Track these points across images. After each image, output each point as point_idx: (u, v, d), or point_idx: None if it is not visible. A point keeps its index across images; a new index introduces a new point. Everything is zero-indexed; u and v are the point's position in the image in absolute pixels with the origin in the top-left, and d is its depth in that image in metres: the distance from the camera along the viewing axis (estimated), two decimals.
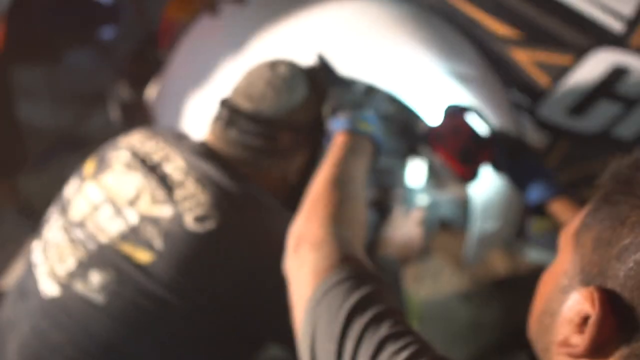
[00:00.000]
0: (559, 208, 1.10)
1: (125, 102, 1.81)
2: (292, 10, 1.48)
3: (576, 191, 1.62)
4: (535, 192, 1.13)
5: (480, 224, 1.65)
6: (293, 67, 1.15)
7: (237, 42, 1.49)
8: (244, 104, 1.11)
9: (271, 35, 1.46)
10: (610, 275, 0.51)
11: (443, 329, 2.17)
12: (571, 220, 1.07)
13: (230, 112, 1.12)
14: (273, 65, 1.15)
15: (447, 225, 2.12)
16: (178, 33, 1.66)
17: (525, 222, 1.75)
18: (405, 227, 1.52)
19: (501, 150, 1.22)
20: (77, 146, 2.86)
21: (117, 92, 1.85)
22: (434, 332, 2.16)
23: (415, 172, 1.65)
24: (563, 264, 0.59)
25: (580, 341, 0.51)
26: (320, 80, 1.18)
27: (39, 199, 2.60)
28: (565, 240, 0.61)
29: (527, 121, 1.53)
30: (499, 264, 2.47)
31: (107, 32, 2.99)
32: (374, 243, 1.58)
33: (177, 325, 1.03)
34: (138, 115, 1.74)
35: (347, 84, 1.18)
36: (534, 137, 1.55)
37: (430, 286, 2.38)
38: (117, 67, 2.08)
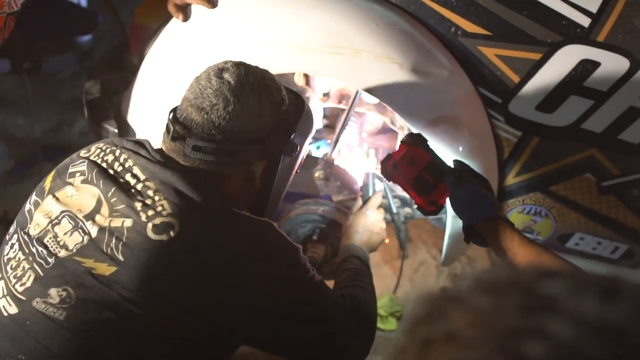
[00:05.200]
0: (487, 230, 1.18)
1: (95, 104, 1.80)
2: (263, 14, 1.48)
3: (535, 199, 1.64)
4: (468, 216, 1.22)
5: (456, 220, 1.65)
6: (240, 73, 1.11)
7: (205, 46, 1.49)
8: (196, 116, 1.09)
9: (239, 40, 1.46)
10: None
11: None
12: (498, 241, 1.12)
13: (182, 128, 1.10)
14: (220, 71, 1.11)
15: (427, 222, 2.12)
16: (147, 38, 1.65)
17: None
18: (365, 214, 1.54)
19: (451, 182, 1.29)
20: (58, 154, 2.85)
21: (86, 95, 1.84)
22: None
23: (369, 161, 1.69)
24: None
25: None
26: (270, 84, 1.16)
27: (18, 208, 2.59)
28: None
29: (497, 117, 1.54)
30: (481, 261, 2.47)
31: (85, 39, 2.98)
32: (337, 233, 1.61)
33: (142, 336, 1.01)
34: (107, 118, 1.73)
35: None
36: (504, 133, 1.55)
37: (412, 283, 2.38)
38: (91, 72, 2.06)
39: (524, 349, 0.40)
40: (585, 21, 1.38)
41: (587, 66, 1.42)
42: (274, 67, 1.23)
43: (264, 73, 1.16)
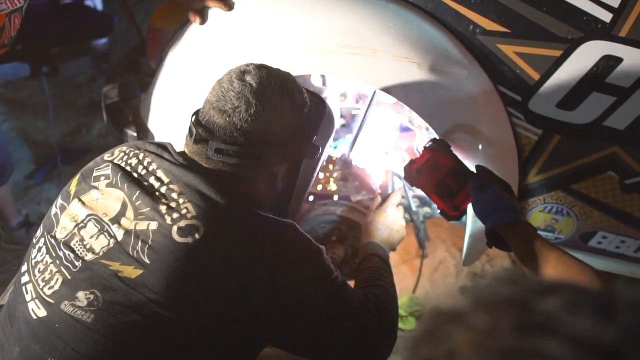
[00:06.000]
0: (509, 235, 1.19)
1: (113, 107, 1.81)
2: (279, 16, 1.48)
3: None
4: (490, 220, 1.22)
5: (476, 220, 1.64)
6: (262, 75, 1.11)
7: (222, 49, 1.49)
8: (218, 119, 1.09)
9: (255, 42, 1.46)
10: None
11: None
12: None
13: (204, 131, 1.10)
14: (242, 74, 1.11)
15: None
16: (165, 41, 1.66)
17: None
18: (385, 212, 1.54)
19: (473, 187, 1.29)
20: (77, 157, 2.88)
21: (105, 98, 1.86)
22: None
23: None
24: None
25: None
26: (292, 86, 1.15)
27: (39, 211, 2.63)
28: None
29: (517, 116, 1.52)
30: (501, 260, 2.45)
31: (101, 42, 3.00)
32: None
33: (168, 338, 1.03)
34: (125, 121, 1.74)
35: None
36: (525, 132, 1.53)
37: (431, 282, 2.37)
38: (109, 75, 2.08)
39: None
40: (606, 16, 1.36)
41: (608, 62, 1.40)
42: (291, 69, 1.23)
43: (286, 75, 1.16)
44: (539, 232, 1.26)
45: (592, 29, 1.37)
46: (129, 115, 1.77)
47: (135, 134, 1.71)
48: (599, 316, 0.41)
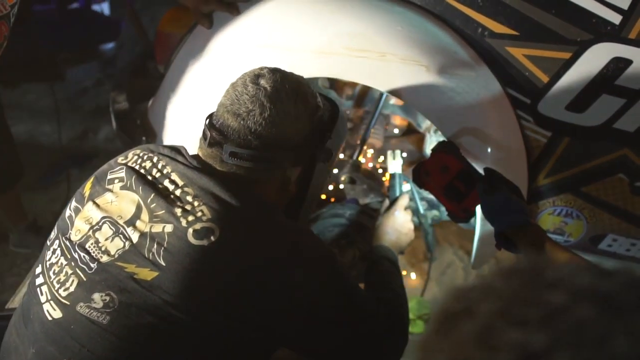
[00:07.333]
0: (518, 237, 1.20)
1: (121, 112, 1.82)
2: (287, 20, 1.48)
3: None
4: (499, 223, 1.23)
5: (485, 223, 1.63)
6: (276, 79, 1.11)
7: (230, 53, 1.49)
8: (232, 122, 1.09)
9: (264, 46, 1.46)
10: None
11: None
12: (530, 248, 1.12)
13: (218, 134, 1.10)
14: (256, 77, 1.11)
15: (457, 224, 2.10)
16: (173, 46, 1.66)
17: None
18: (393, 215, 1.54)
19: (482, 190, 1.29)
20: (84, 161, 2.89)
21: (113, 103, 1.86)
22: None
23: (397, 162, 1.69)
24: None
25: None
26: (306, 90, 1.16)
27: (47, 215, 2.63)
28: None
29: (526, 118, 1.51)
30: (509, 263, 2.44)
31: (108, 47, 3.02)
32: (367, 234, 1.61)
33: (183, 340, 1.03)
34: (134, 126, 1.74)
35: None
36: (534, 134, 1.52)
37: (440, 285, 2.36)
38: (117, 80, 2.09)
39: (525, 315, 0.46)
40: (616, 18, 1.35)
41: (618, 64, 1.39)
42: (300, 72, 1.22)
43: (300, 79, 1.16)
44: (548, 235, 1.26)
45: (601, 31, 1.37)
46: (137, 119, 1.78)
47: (143, 138, 1.72)
48: (600, 275, 0.49)
